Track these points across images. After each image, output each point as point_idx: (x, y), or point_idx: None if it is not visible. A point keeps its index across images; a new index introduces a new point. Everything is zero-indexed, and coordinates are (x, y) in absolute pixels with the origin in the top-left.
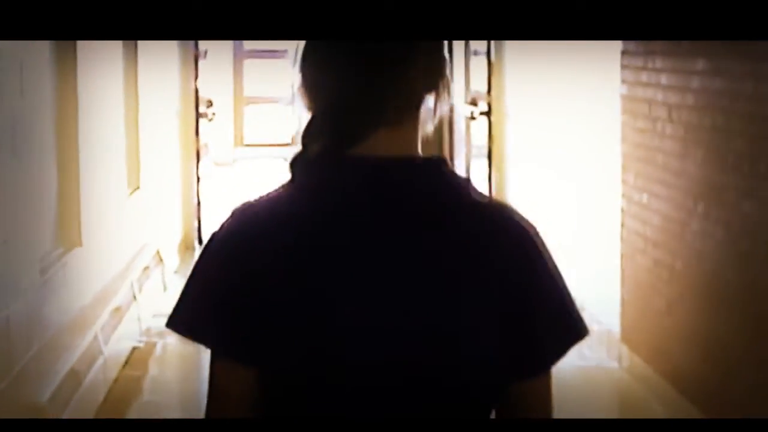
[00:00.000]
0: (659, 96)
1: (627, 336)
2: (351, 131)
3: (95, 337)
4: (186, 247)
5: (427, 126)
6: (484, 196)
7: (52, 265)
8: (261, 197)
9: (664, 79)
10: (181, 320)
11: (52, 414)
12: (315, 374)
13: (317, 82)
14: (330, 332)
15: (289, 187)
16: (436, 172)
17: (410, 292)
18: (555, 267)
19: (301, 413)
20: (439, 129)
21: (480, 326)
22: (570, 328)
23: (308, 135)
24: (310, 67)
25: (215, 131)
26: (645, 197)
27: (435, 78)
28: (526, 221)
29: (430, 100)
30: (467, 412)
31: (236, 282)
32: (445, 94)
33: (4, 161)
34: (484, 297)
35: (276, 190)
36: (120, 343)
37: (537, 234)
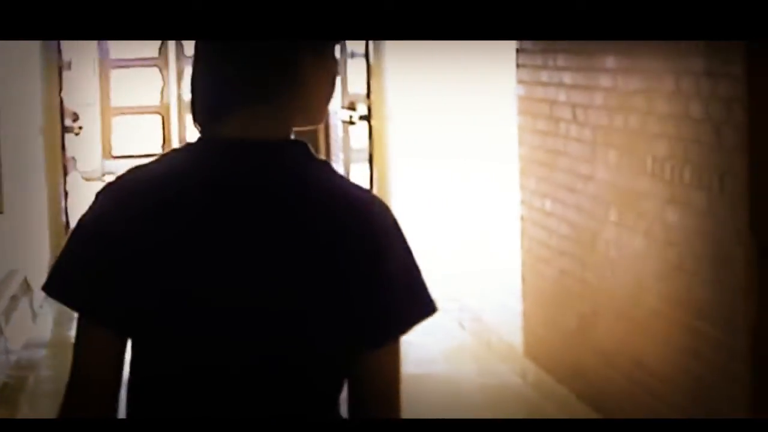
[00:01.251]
0: (562, 96)
1: (531, 352)
2: (213, 113)
3: None
4: None
5: (311, 113)
6: (343, 178)
7: None
8: (134, 169)
9: (567, 77)
10: (52, 284)
11: None
12: (168, 343)
13: (194, 70)
14: (182, 303)
15: (160, 166)
16: (292, 154)
17: (260, 267)
18: (407, 248)
19: (161, 378)
20: (314, 134)
21: (330, 299)
22: (417, 303)
23: (193, 118)
24: (194, 61)
25: (82, 144)
26: (548, 204)
27: (307, 64)
28: (379, 202)
29: (311, 88)
30: (319, 383)
31: (99, 248)
32: (327, 79)
33: None
34: (333, 272)
35: (147, 166)
36: None
37: (389, 215)
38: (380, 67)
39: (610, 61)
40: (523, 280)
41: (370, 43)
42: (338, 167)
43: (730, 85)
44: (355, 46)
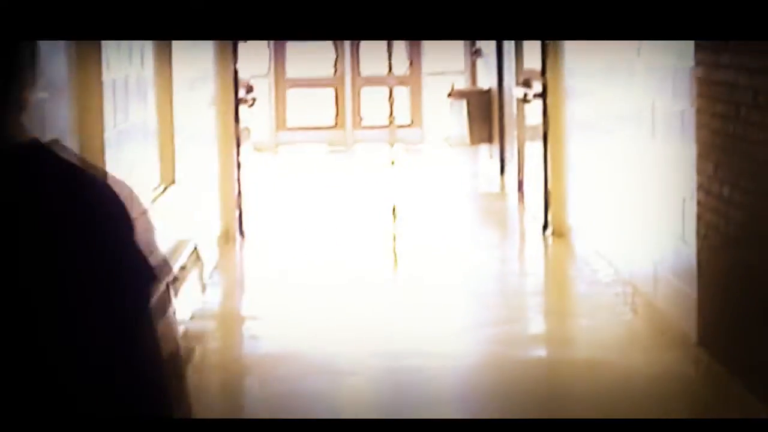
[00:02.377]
0: (742, 79)
1: (705, 340)
2: None
3: None
4: (227, 240)
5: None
6: (81, 170)
7: None
8: None
9: (747, 59)
10: None
11: None
12: None
13: None
14: None
15: None
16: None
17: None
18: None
19: None
20: (489, 112)
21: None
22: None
23: None
24: None
25: (256, 116)
26: (726, 190)
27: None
28: (120, 186)
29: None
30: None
31: None
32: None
33: None
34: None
35: None
36: None
37: (128, 201)
38: (556, 44)
39: None
40: (699, 266)
41: None
42: (512, 145)
43: None
44: None
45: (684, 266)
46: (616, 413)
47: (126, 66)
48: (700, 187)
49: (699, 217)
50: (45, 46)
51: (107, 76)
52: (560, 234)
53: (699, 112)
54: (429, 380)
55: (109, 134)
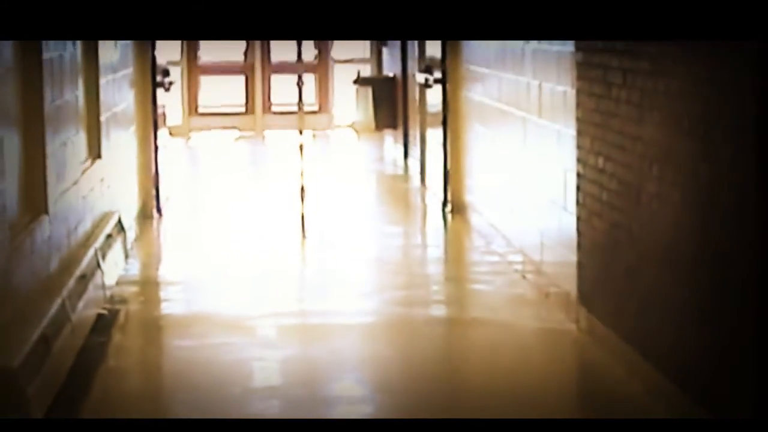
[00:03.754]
0: (614, 62)
1: (585, 299)
2: None
3: (63, 304)
4: (145, 217)
5: None
6: None
7: (20, 232)
8: None
9: (619, 44)
10: None
11: (22, 379)
12: None
13: None
14: None
15: None
16: None
17: None
18: None
19: None
20: (393, 98)
21: None
22: None
23: None
24: None
25: (171, 101)
26: (600, 161)
27: None
28: None
29: None
30: None
31: None
32: None
33: None
34: None
35: None
36: (86, 310)
37: None
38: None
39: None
40: (579, 233)
41: None
42: (415, 130)
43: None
44: None
45: (566, 233)
46: (505, 363)
47: (61, 46)
48: (579, 160)
49: (578, 188)
50: None
51: (46, 55)
52: (459, 210)
53: (578, 92)
54: (334, 336)
55: (48, 109)
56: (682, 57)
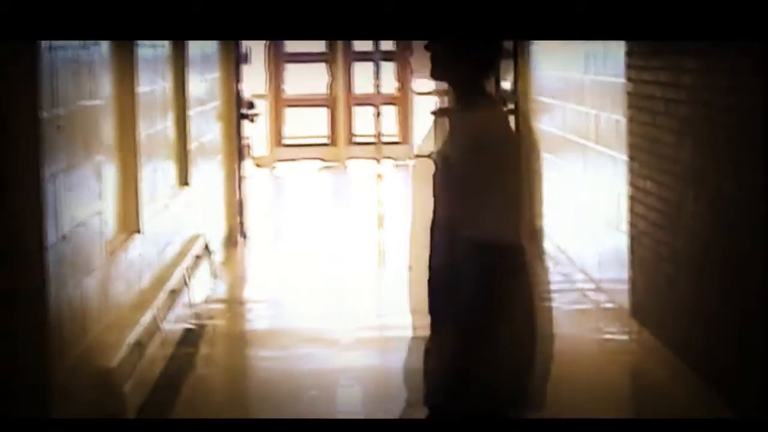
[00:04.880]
0: (658, 92)
1: (636, 311)
2: None
3: (154, 317)
4: (231, 242)
5: None
6: None
7: (116, 249)
8: None
9: (662, 75)
10: None
11: (118, 378)
12: None
13: None
14: None
15: None
16: None
17: None
18: None
19: None
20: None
21: None
22: None
23: None
24: None
25: (256, 132)
26: (648, 184)
27: None
28: None
29: None
30: None
31: None
32: None
33: (78, 160)
34: None
35: None
36: (175, 324)
37: None
38: (526, 66)
39: (690, 62)
40: (630, 251)
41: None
42: None
43: None
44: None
45: (620, 252)
46: (566, 370)
47: (153, 80)
48: (630, 183)
49: (630, 209)
50: (95, 58)
51: (140, 89)
52: (530, 235)
53: (629, 120)
54: (411, 347)
55: (141, 138)
56: (711, 86)
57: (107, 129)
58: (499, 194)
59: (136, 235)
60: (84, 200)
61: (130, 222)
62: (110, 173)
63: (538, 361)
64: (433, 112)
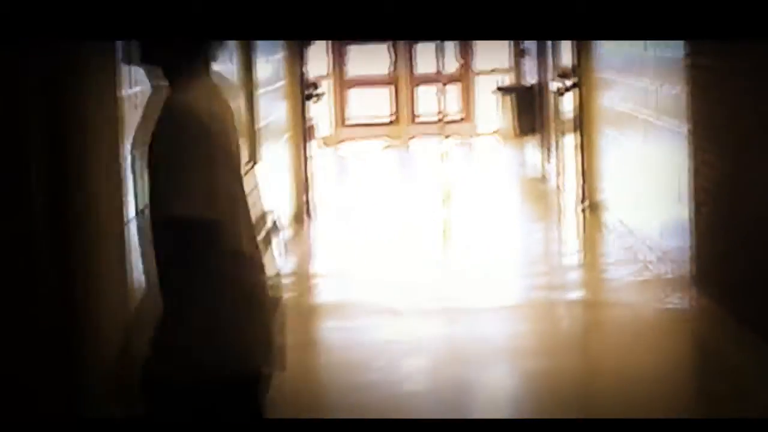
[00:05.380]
0: (716, 64)
1: (697, 281)
2: None
3: None
4: (297, 219)
5: None
6: None
7: None
8: None
9: (720, 48)
10: None
11: None
12: None
13: None
14: None
15: None
16: None
17: None
18: None
19: None
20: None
21: None
22: None
23: None
24: None
25: (320, 112)
26: (708, 155)
27: None
28: None
29: None
30: None
31: None
32: None
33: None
34: None
35: None
36: None
37: None
38: (587, 42)
39: None
40: (692, 221)
41: None
42: (553, 135)
43: None
44: None
45: (681, 223)
46: (629, 339)
47: (222, 60)
48: (691, 155)
49: (690, 180)
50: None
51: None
52: (592, 208)
53: (690, 94)
54: (476, 317)
55: None
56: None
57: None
58: (190, 171)
59: None
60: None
61: None
62: None
63: (270, 325)
64: (498, 89)
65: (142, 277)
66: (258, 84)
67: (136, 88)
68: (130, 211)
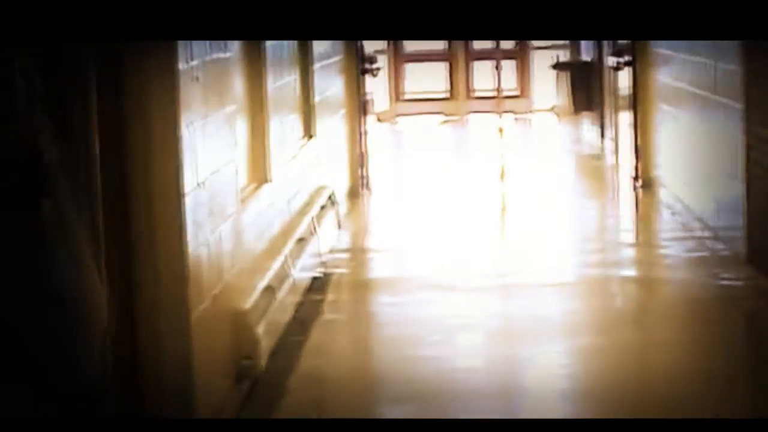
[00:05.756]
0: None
1: (751, 257)
2: None
3: (284, 262)
4: (354, 194)
5: None
6: None
7: (248, 197)
8: None
9: None
10: None
11: (251, 320)
12: None
13: None
14: None
15: None
16: None
17: None
18: None
19: None
20: (590, 81)
21: None
22: None
23: None
24: None
25: (377, 87)
26: (763, 131)
27: None
28: None
29: None
30: None
31: None
32: None
33: (213, 110)
34: None
35: None
36: (302, 271)
37: None
38: None
39: None
40: (746, 197)
41: None
42: (609, 111)
43: None
44: None
45: (735, 199)
46: (682, 315)
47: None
48: (746, 131)
49: (745, 157)
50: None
51: (268, 44)
52: (647, 184)
53: (745, 70)
54: (531, 293)
55: (270, 91)
56: None
57: (238, 82)
58: None
59: (267, 185)
60: (219, 149)
61: (260, 172)
62: (241, 124)
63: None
64: (553, 66)
65: (200, 250)
66: (314, 58)
67: (193, 61)
68: (187, 184)
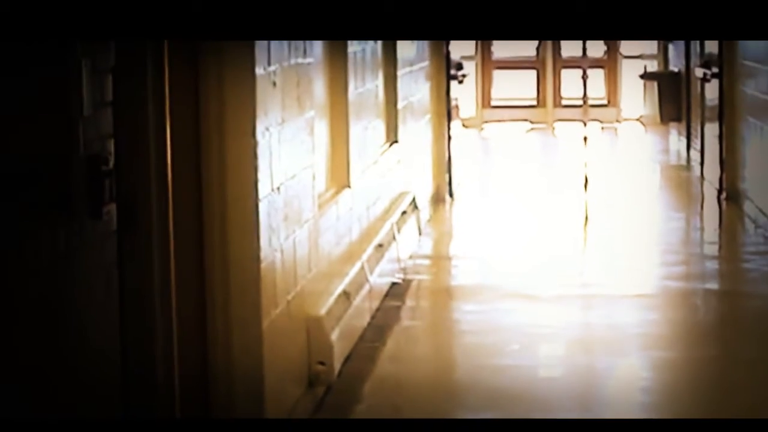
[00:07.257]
0: None
1: None
2: None
3: (362, 268)
4: (438, 200)
5: None
6: None
7: (327, 202)
8: None
9: None
10: None
11: (326, 326)
12: None
13: None
14: None
15: None
16: None
17: None
18: None
19: None
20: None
21: None
22: None
23: None
24: None
25: (464, 95)
26: None
27: None
28: None
29: None
30: None
31: None
32: None
33: (292, 115)
34: None
35: None
36: (382, 276)
37: None
38: None
39: None
40: None
41: None
42: (697, 122)
43: None
44: None
45: None
46: (763, 329)
47: (364, 41)
48: None
49: None
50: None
51: (351, 49)
52: (733, 197)
53: None
54: (613, 305)
55: (352, 96)
56: None
57: (319, 87)
58: None
59: (346, 190)
60: (296, 154)
61: (340, 177)
62: (322, 129)
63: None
64: (641, 75)
65: (274, 255)
66: (399, 64)
67: (273, 66)
68: (262, 189)
